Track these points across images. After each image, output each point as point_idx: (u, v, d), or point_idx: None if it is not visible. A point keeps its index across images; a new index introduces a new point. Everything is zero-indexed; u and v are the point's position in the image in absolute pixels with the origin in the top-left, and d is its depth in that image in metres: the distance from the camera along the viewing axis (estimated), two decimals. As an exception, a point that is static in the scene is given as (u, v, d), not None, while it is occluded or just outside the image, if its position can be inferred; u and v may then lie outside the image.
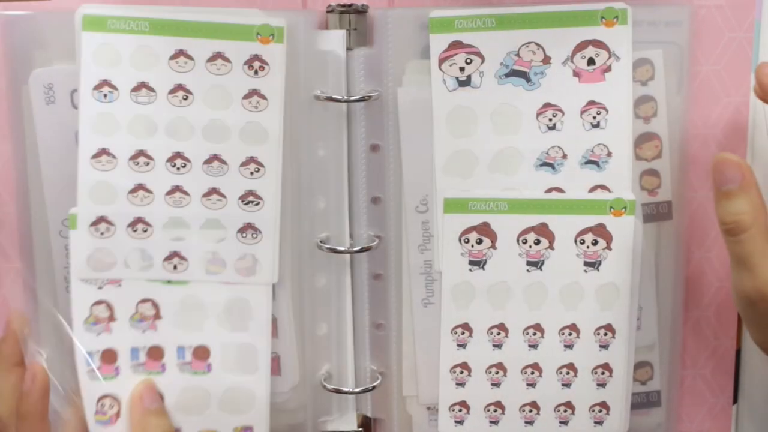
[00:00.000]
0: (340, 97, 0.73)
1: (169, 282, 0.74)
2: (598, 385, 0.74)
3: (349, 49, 0.73)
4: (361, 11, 0.73)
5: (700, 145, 0.74)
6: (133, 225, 0.73)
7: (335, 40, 0.73)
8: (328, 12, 0.73)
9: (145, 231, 0.73)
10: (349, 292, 0.76)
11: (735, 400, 0.78)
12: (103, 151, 0.72)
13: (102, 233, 0.72)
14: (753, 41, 0.73)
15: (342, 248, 0.75)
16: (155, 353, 0.74)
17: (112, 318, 0.73)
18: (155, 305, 0.74)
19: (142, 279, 0.73)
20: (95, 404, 0.73)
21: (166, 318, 0.74)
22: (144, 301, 0.74)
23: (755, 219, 0.64)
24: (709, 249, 0.76)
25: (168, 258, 0.73)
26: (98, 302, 0.73)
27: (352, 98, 0.73)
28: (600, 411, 0.75)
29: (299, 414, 0.77)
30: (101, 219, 0.72)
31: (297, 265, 0.75)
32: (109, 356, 0.73)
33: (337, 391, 0.77)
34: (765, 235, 0.64)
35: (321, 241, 0.75)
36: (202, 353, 0.74)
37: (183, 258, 0.73)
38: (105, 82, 0.71)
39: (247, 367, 0.74)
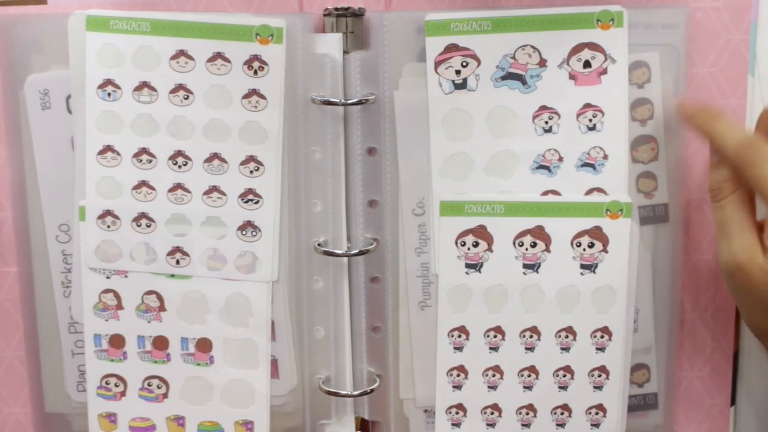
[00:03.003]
0: (337, 100, 0.73)
1: (172, 276, 0.75)
2: (595, 387, 0.74)
3: (345, 52, 0.73)
4: (358, 14, 0.73)
5: (696, 147, 0.74)
6: (137, 220, 0.74)
7: (332, 43, 0.73)
8: (324, 15, 0.74)
9: (149, 226, 0.74)
10: (346, 295, 0.76)
11: (733, 402, 0.78)
12: (108, 148, 0.73)
13: (108, 226, 0.74)
14: (749, 43, 0.73)
15: (340, 251, 0.75)
16: (160, 343, 0.76)
17: (119, 306, 0.75)
18: (160, 298, 0.75)
19: (147, 272, 0.75)
20: (99, 380, 0.76)
21: (170, 310, 0.75)
22: (149, 293, 0.75)
23: (737, 188, 0.68)
24: (706, 251, 0.76)
25: (170, 253, 0.75)
26: (106, 291, 0.75)
27: (349, 101, 0.73)
28: (597, 413, 0.75)
29: (297, 417, 0.78)
30: (107, 212, 0.74)
31: (294, 268, 0.75)
32: (117, 341, 0.76)
33: (335, 394, 0.77)
34: (744, 206, 0.68)
35: (318, 245, 0.75)
36: (204, 346, 0.76)
37: (185, 253, 0.75)
38: (108, 81, 0.73)
39: (248, 362, 0.75)
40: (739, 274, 0.67)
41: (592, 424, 0.75)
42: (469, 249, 0.73)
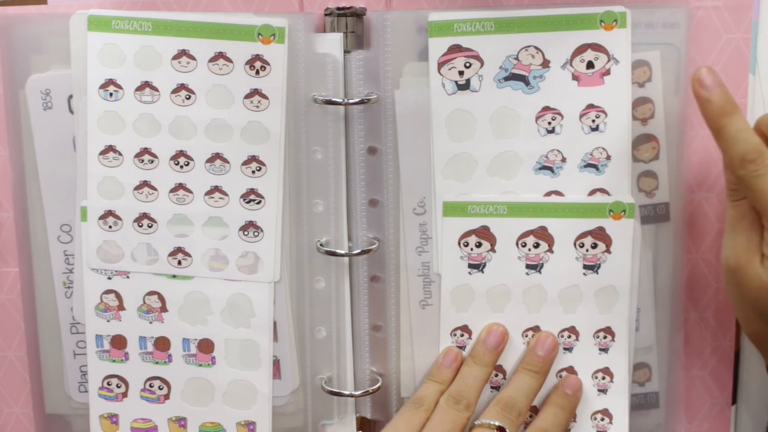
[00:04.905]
0: (339, 100, 0.73)
1: (174, 277, 0.75)
2: (599, 390, 0.74)
3: (346, 51, 0.73)
4: (359, 14, 0.73)
5: (697, 146, 0.74)
6: (138, 220, 0.74)
7: (333, 42, 0.73)
8: (325, 15, 0.73)
9: (151, 227, 0.74)
10: (347, 294, 0.76)
11: (734, 401, 0.79)
12: (110, 148, 0.73)
13: (110, 226, 0.74)
14: (750, 42, 0.73)
15: (341, 251, 0.75)
16: (162, 344, 0.76)
17: (121, 307, 0.75)
18: (161, 298, 0.75)
19: (149, 273, 0.75)
20: (100, 381, 0.76)
21: (172, 311, 0.75)
22: (151, 293, 0.75)
23: None
24: (707, 250, 0.76)
25: (172, 254, 0.75)
26: (108, 291, 0.75)
27: (351, 101, 0.73)
28: (603, 419, 0.75)
29: (299, 417, 0.78)
30: (109, 213, 0.74)
31: (296, 268, 0.75)
32: (118, 341, 0.76)
33: (337, 394, 0.77)
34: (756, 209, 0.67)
35: (320, 244, 0.75)
36: (206, 346, 0.76)
37: (187, 254, 0.74)
38: (110, 81, 0.73)
39: (250, 362, 0.75)
40: (738, 273, 0.67)
41: (598, 431, 0.75)
42: (472, 249, 0.73)
